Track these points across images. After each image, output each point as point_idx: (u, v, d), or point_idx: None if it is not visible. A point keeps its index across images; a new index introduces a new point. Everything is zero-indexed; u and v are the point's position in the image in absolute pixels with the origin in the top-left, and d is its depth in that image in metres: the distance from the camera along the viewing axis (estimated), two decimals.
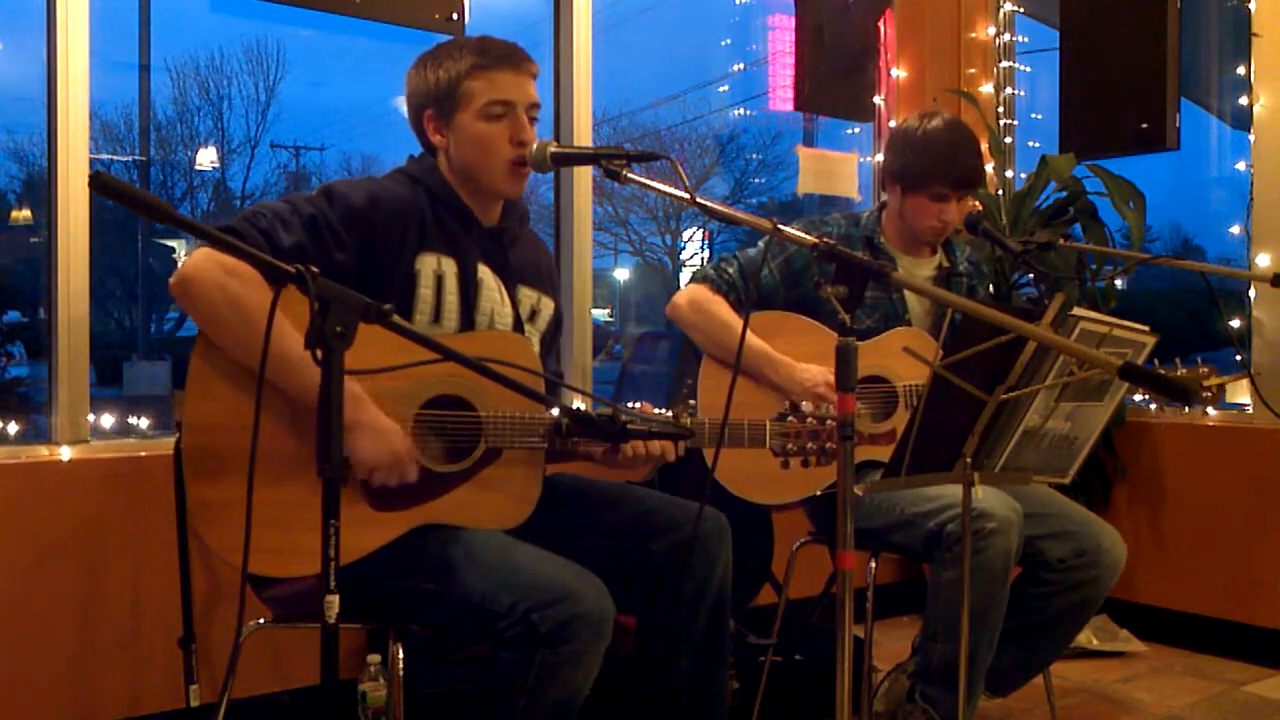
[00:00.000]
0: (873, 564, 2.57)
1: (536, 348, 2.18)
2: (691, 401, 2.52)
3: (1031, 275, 3.72)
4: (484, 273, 2.10)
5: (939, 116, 2.66)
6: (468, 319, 2.06)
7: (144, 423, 2.93)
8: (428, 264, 2.03)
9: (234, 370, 1.85)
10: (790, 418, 2.07)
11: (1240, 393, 3.66)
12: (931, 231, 2.67)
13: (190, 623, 2.53)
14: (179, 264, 1.87)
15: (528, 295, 2.20)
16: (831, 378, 2.38)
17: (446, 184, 2.10)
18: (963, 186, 2.61)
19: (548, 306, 2.24)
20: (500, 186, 2.10)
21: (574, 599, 1.79)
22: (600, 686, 1.90)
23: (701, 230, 20.78)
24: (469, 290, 2.07)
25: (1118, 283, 3.90)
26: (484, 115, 2.05)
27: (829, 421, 2.07)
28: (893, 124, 4.09)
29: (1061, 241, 2.88)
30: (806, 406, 2.08)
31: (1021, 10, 4.37)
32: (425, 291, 2.02)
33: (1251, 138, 3.55)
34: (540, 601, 1.78)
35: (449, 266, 2.05)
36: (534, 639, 1.78)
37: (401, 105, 2.17)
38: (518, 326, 2.14)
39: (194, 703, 2.53)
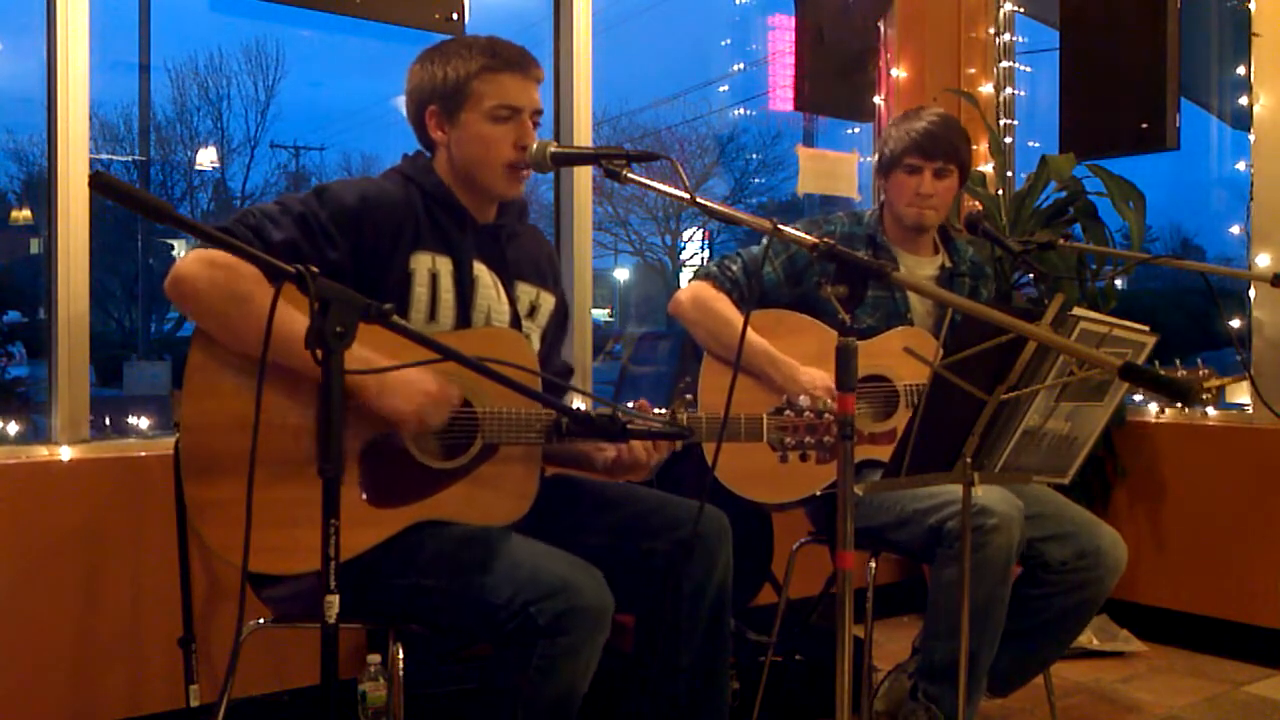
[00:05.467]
0: (873, 564, 2.57)
1: (537, 344, 2.19)
2: (689, 396, 2.52)
3: (1031, 275, 3.71)
4: (480, 270, 2.10)
5: (925, 109, 2.71)
6: (464, 317, 2.06)
7: (144, 423, 2.93)
8: (422, 263, 2.03)
9: (232, 369, 1.85)
10: (787, 412, 2.07)
11: (1240, 393, 3.66)
12: (913, 213, 2.66)
13: (190, 623, 2.53)
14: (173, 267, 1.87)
15: (526, 291, 2.20)
16: (832, 382, 2.38)
17: (441, 183, 2.10)
18: (933, 156, 2.62)
19: (548, 301, 2.24)
20: (498, 187, 2.10)
21: (572, 591, 1.80)
22: (601, 685, 1.90)
23: (701, 230, 20.79)
24: (465, 288, 2.07)
25: (1118, 283, 3.91)
26: (490, 117, 2.05)
27: (826, 415, 2.07)
28: None
29: (1061, 241, 2.88)
30: (804, 400, 2.08)
31: (1021, 10, 4.37)
32: (420, 290, 2.02)
33: (1251, 138, 3.55)
34: (538, 594, 1.79)
35: (444, 265, 2.05)
36: (532, 631, 1.78)
37: (401, 103, 2.17)
38: (515, 323, 2.14)
39: (194, 703, 2.53)
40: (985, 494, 2.32)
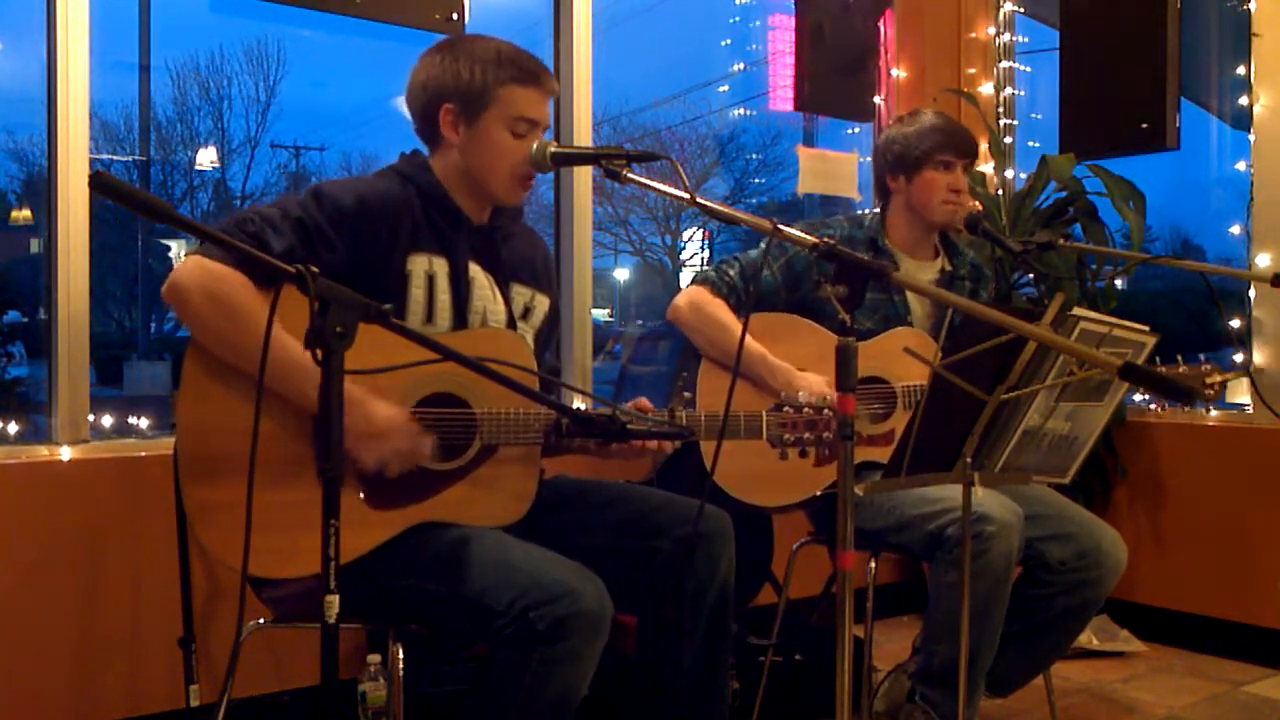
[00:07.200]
0: (873, 564, 2.57)
1: (531, 346, 2.18)
2: (687, 394, 2.52)
3: (1031, 275, 3.72)
4: (475, 271, 2.10)
5: (923, 111, 2.73)
6: (460, 318, 2.06)
7: (144, 423, 2.93)
8: (419, 264, 2.02)
9: (228, 371, 1.85)
10: (786, 408, 2.08)
11: (1240, 392, 3.66)
12: (948, 209, 2.66)
13: (190, 623, 2.53)
14: (172, 269, 1.87)
15: (520, 293, 2.19)
16: (827, 388, 2.37)
17: (438, 183, 2.09)
18: (966, 153, 2.66)
19: (542, 303, 2.24)
20: (502, 195, 2.10)
21: (572, 597, 1.79)
22: (601, 686, 1.90)
23: (701, 230, 20.81)
24: (461, 289, 2.07)
25: (1118, 283, 3.90)
26: (510, 127, 2.04)
27: (825, 411, 2.07)
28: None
29: (1061, 241, 2.88)
30: (803, 397, 2.08)
31: (1021, 10, 4.37)
32: (417, 292, 2.02)
33: (1251, 138, 3.55)
34: (538, 599, 1.78)
35: (440, 266, 2.05)
36: (531, 636, 1.78)
37: (402, 101, 2.15)
38: (510, 324, 2.14)
39: (194, 703, 2.52)
40: (985, 500, 2.32)
